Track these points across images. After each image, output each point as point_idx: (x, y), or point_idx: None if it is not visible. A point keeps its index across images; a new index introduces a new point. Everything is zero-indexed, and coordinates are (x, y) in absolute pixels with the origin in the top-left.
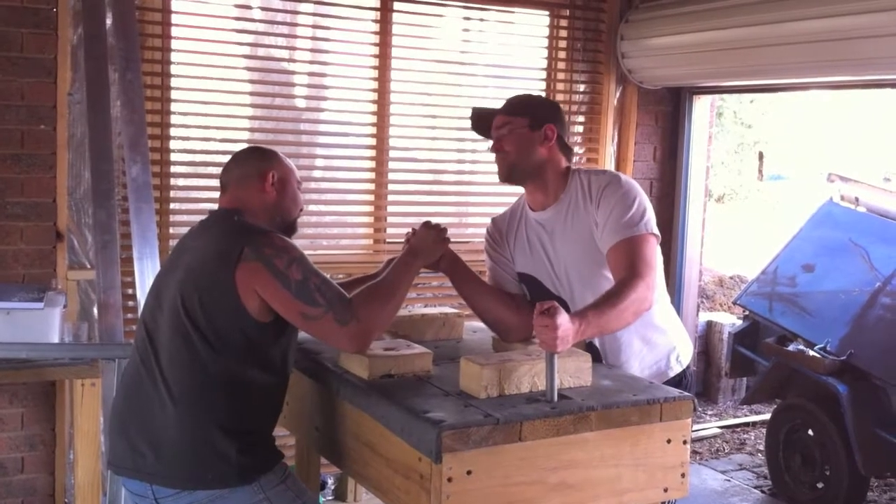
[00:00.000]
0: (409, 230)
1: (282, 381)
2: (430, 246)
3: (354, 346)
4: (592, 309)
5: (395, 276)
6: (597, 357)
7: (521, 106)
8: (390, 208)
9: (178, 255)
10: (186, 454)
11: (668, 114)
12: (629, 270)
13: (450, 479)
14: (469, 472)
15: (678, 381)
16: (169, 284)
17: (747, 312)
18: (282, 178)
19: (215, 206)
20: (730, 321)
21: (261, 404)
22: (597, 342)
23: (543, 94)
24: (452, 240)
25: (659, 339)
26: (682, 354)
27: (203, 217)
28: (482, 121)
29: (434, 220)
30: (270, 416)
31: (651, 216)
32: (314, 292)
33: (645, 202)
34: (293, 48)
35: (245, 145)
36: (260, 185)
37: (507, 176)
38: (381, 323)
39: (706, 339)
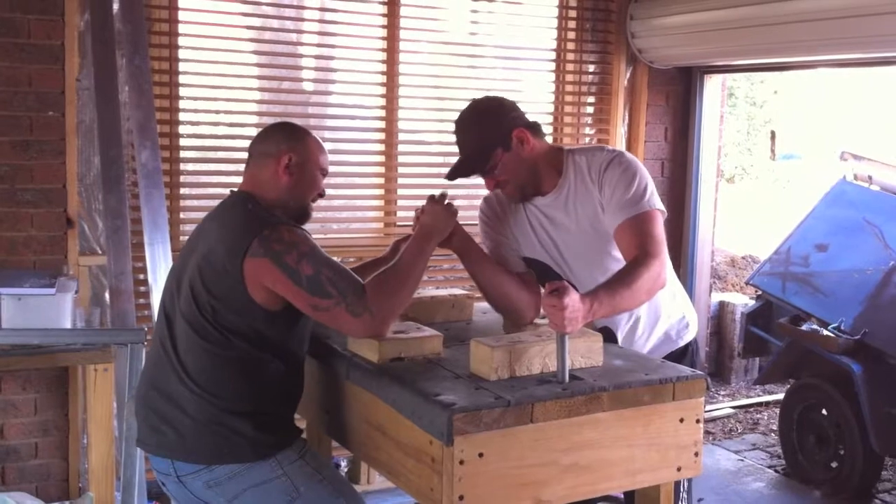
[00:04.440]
0: (418, 208)
1: (296, 365)
2: (442, 222)
3: (369, 333)
4: (604, 289)
5: (409, 261)
6: (610, 337)
7: (482, 146)
8: (400, 191)
9: (196, 239)
10: (203, 432)
11: (678, 94)
12: (640, 249)
13: (461, 462)
14: (481, 455)
15: (684, 351)
16: (186, 268)
17: (760, 292)
18: (300, 161)
19: (226, 191)
20: (742, 301)
21: (276, 387)
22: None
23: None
24: (464, 223)
25: (668, 307)
26: (691, 323)
27: (216, 200)
28: (460, 176)
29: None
30: (287, 397)
31: (653, 191)
32: (326, 285)
33: (646, 178)
34: (301, 31)
35: (253, 130)
36: (275, 168)
37: (521, 196)
38: (395, 311)
39: (719, 319)
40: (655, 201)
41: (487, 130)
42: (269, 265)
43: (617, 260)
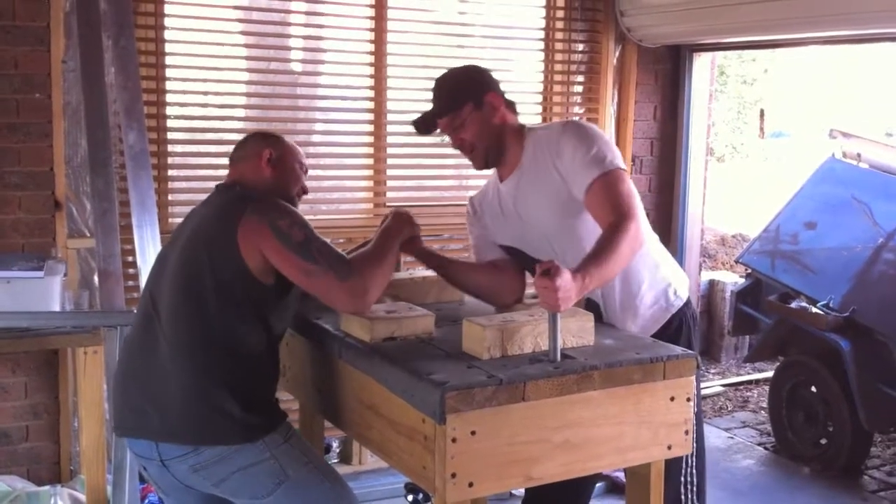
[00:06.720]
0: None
1: (274, 345)
2: (403, 224)
3: (354, 303)
4: (591, 261)
5: (382, 242)
6: (598, 316)
7: (454, 95)
8: (389, 171)
9: (182, 227)
10: (188, 411)
11: (668, 72)
12: (615, 213)
13: (454, 440)
14: (473, 433)
15: (681, 317)
16: (173, 250)
17: (750, 271)
18: (279, 156)
19: (214, 172)
20: (732, 280)
21: (255, 363)
22: (599, 295)
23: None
24: (453, 203)
25: (654, 276)
26: (679, 288)
27: (205, 181)
28: (425, 126)
29: (434, 183)
30: (266, 376)
31: (613, 151)
32: (315, 252)
33: (603, 137)
34: (289, 11)
35: (242, 111)
36: (256, 162)
37: (485, 163)
38: (379, 282)
39: (709, 298)
40: (618, 161)
41: (462, 85)
42: (263, 227)
43: (586, 225)
